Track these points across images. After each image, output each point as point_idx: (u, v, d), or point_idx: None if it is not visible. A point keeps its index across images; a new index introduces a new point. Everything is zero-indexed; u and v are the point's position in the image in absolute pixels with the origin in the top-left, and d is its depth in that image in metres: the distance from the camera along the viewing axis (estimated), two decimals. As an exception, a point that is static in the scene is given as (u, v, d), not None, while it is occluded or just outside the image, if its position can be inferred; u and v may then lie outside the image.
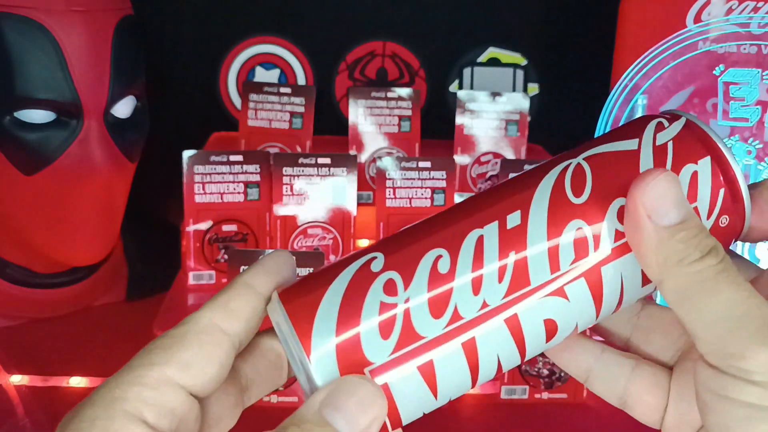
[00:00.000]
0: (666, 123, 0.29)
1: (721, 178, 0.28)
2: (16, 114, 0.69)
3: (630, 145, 0.28)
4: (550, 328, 0.27)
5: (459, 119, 0.91)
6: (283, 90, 0.92)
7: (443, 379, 0.27)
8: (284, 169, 0.77)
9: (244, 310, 0.27)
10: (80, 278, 0.81)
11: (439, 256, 0.27)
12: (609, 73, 0.81)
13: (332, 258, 0.76)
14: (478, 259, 0.27)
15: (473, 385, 0.28)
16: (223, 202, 0.77)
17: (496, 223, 0.27)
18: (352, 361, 0.26)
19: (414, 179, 0.77)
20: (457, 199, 0.78)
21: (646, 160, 0.28)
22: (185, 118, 1.02)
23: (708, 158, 0.28)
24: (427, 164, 0.77)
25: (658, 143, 0.28)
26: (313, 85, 1.01)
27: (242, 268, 0.66)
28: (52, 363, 0.73)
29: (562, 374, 0.68)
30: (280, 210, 0.77)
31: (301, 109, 0.92)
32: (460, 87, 1.03)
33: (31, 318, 0.80)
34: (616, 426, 0.66)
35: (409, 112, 0.92)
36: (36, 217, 0.73)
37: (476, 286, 0.27)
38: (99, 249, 0.78)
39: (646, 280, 0.28)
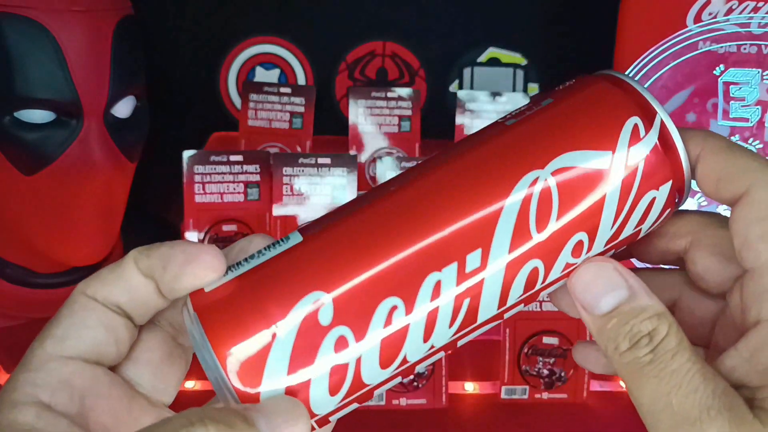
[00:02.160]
0: (642, 128, 0.27)
1: (676, 200, 0.28)
2: (16, 114, 0.69)
3: (602, 160, 0.27)
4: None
5: (459, 119, 0.91)
6: (283, 90, 0.92)
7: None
8: (284, 169, 0.76)
9: (117, 281, 0.26)
10: (80, 278, 0.81)
11: (394, 307, 0.25)
12: (609, 73, 0.81)
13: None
14: (434, 309, 0.26)
15: None
16: (223, 202, 0.77)
17: (455, 266, 0.26)
18: None
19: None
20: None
21: (612, 193, 0.27)
22: (185, 118, 1.02)
23: (669, 183, 0.28)
24: (427, 164, 0.77)
25: (630, 162, 0.27)
26: (313, 85, 1.01)
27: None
28: (52, 363, 0.73)
29: (562, 374, 0.68)
30: (280, 210, 0.77)
31: (301, 109, 0.92)
32: (460, 87, 1.03)
33: (31, 318, 0.80)
34: (616, 426, 0.66)
35: (409, 112, 0.92)
36: (36, 217, 0.73)
37: (428, 334, 0.26)
38: (99, 249, 0.78)
39: None
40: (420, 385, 0.67)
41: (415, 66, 1.02)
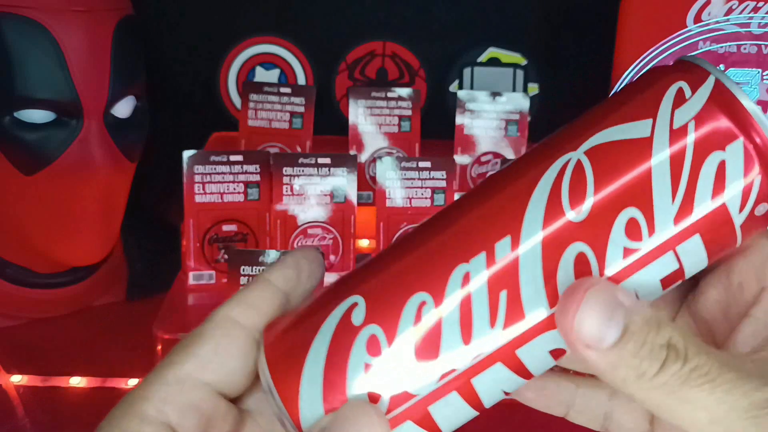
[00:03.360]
0: (688, 89, 0.24)
1: (756, 162, 0.23)
2: (16, 114, 0.69)
3: (641, 129, 0.24)
4: (557, 354, 0.25)
5: (459, 119, 0.91)
6: (283, 90, 0.92)
7: (443, 421, 0.25)
8: (284, 169, 0.76)
9: (262, 303, 0.26)
10: (80, 278, 0.81)
11: (423, 303, 0.24)
12: (609, 73, 0.81)
13: (332, 258, 0.76)
14: (465, 304, 0.24)
15: (480, 413, 0.26)
16: (223, 202, 0.77)
17: (483, 255, 0.24)
18: None
19: (414, 179, 0.77)
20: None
21: (659, 159, 0.23)
22: (185, 118, 1.02)
23: (740, 140, 0.23)
24: (427, 164, 0.77)
25: (676, 125, 0.23)
26: (313, 85, 1.01)
27: (242, 268, 0.66)
28: (52, 363, 0.73)
29: (562, 374, 0.68)
30: (280, 210, 0.77)
31: (301, 109, 0.92)
32: (460, 87, 1.03)
33: (31, 318, 0.80)
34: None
35: (409, 112, 0.92)
36: (36, 217, 0.73)
37: (466, 334, 0.24)
38: (99, 249, 0.78)
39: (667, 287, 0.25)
40: (420, 385, 0.67)
41: (415, 66, 1.02)
